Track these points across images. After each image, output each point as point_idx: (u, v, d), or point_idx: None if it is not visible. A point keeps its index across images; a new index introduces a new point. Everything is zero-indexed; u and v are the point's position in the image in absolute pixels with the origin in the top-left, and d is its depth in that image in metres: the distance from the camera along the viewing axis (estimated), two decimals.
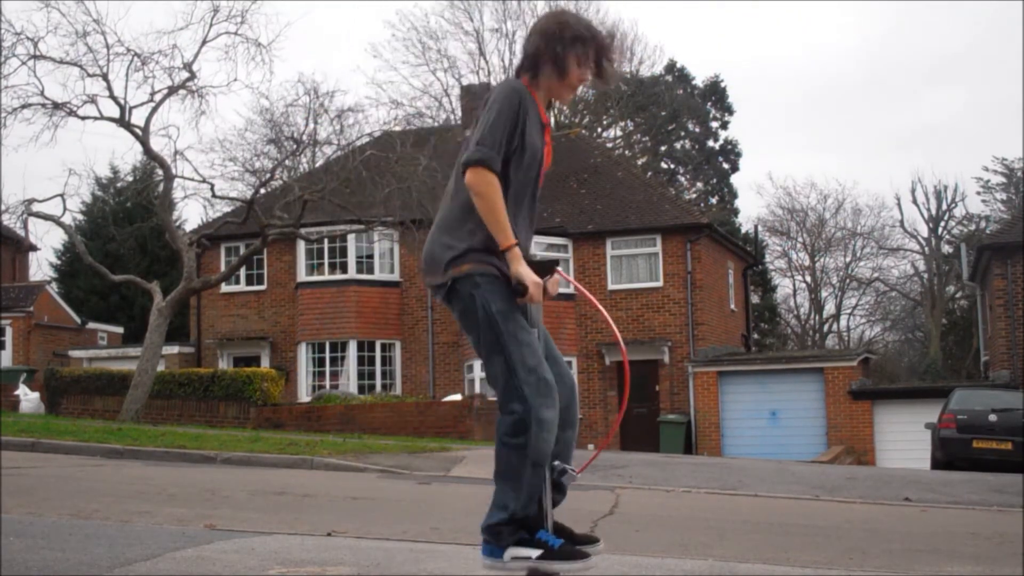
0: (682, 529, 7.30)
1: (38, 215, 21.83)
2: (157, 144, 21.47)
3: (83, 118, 20.55)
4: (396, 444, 14.91)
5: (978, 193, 50.30)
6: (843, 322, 53.38)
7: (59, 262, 41.30)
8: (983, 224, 47.88)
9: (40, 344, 32.31)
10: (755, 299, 42.01)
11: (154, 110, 20.70)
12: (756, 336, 40.09)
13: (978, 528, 8.10)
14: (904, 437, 24.53)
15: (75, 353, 30.82)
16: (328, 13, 68.16)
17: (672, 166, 50.67)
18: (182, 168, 40.47)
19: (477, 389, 25.68)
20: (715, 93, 51.24)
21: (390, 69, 69.44)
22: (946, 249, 49.25)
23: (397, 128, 24.87)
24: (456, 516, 7.19)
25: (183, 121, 71.20)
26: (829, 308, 52.84)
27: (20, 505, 6.72)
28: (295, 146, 23.54)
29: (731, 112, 51.46)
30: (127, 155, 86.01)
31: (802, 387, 26.64)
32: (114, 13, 65.27)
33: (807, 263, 51.66)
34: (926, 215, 49.61)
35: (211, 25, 20.84)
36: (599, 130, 47.64)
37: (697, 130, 50.74)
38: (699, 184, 51.47)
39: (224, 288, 29.52)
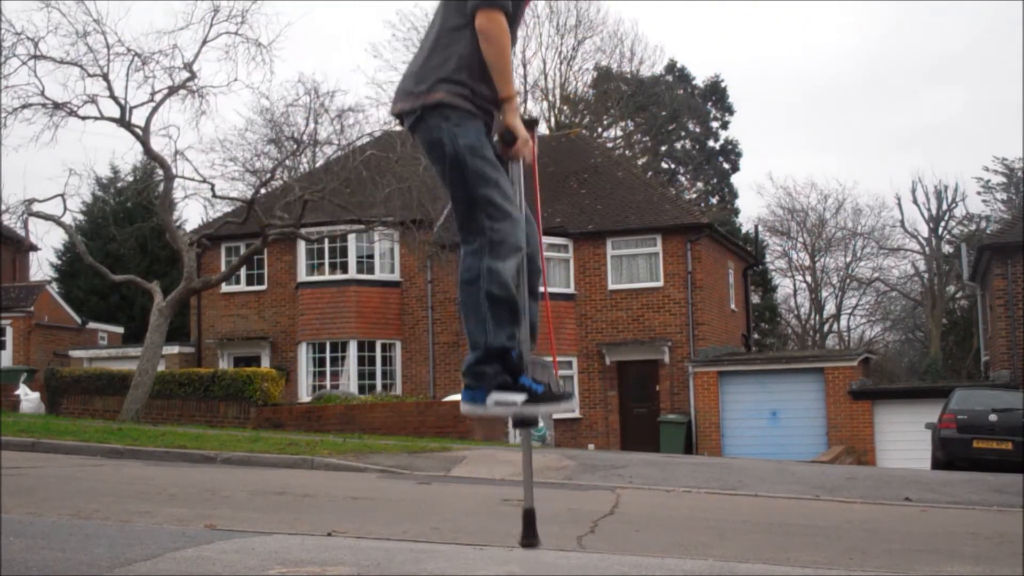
0: (682, 529, 7.30)
1: (38, 215, 21.84)
2: (157, 144, 21.50)
3: (83, 118, 20.56)
4: (396, 444, 14.91)
5: (978, 193, 50.37)
6: (843, 322, 53.46)
7: (59, 262, 41.33)
8: (983, 224, 47.91)
9: (40, 344, 32.32)
10: (755, 299, 42.02)
11: (154, 110, 20.71)
12: (756, 336, 40.09)
13: (978, 528, 8.10)
14: (904, 437, 24.53)
15: (75, 353, 30.84)
16: (328, 13, 68.26)
17: (672, 166, 50.68)
18: (182, 168, 40.53)
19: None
20: (715, 93, 51.26)
21: (390, 69, 69.02)
22: (946, 249, 49.26)
23: (397, 128, 24.82)
24: (456, 516, 7.20)
25: (183, 121, 71.15)
26: (829, 308, 52.93)
27: (20, 505, 6.72)
28: (295, 146, 23.55)
29: (731, 112, 51.53)
30: (127, 155, 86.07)
31: (802, 387, 26.64)
32: (114, 13, 65.31)
33: (807, 263, 51.71)
34: (926, 215, 49.69)
35: (211, 25, 20.87)
36: (599, 130, 47.65)
37: (697, 130, 50.76)
38: (699, 184, 51.48)
39: (224, 288, 29.54)
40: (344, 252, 28.57)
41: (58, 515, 6.22)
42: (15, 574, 3.94)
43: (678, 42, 76.95)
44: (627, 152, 47.18)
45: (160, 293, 20.67)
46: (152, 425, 18.04)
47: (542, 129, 44.02)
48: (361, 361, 28.38)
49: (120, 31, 67.39)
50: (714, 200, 50.52)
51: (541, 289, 3.73)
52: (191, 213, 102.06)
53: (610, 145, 45.69)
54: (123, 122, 20.51)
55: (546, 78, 45.22)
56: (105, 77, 20.32)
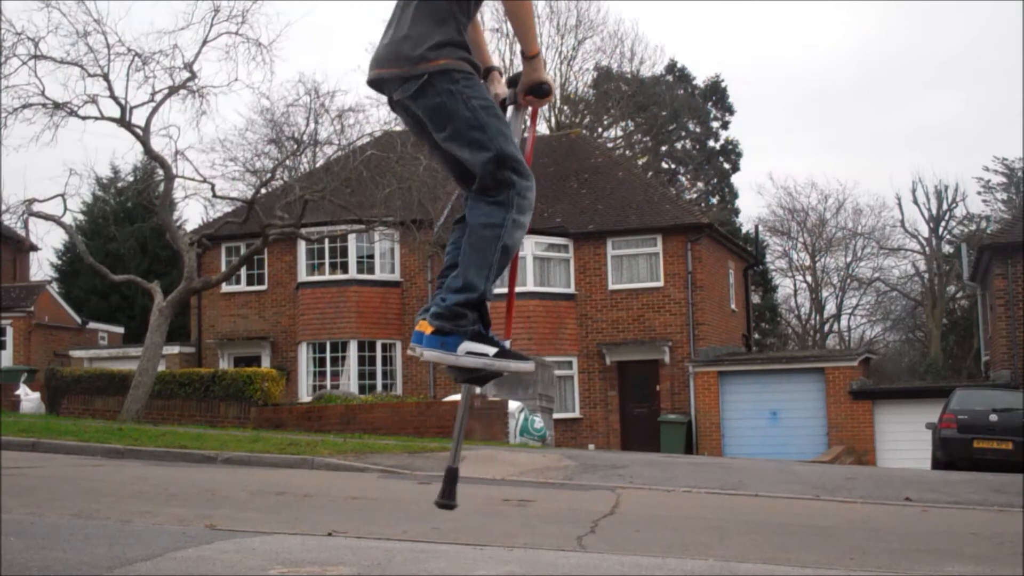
0: (682, 529, 7.31)
1: (39, 215, 21.84)
2: (158, 144, 21.51)
3: (84, 118, 20.56)
4: (397, 444, 14.91)
5: (979, 193, 50.39)
6: (844, 322, 53.45)
7: (60, 262, 41.32)
8: (984, 224, 47.91)
9: (41, 344, 32.32)
10: (756, 299, 42.02)
11: (155, 110, 20.71)
12: (757, 336, 40.09)
13: (978, 528, 8.10)
14: (905, 437, 24.54)
15: (76, 353, 30.85)
16: (328, 13, 68.20)
17: (673, 166, 50.67)
18: (183, 168, 40.47)
19: (477, 390, 25.68)
20: (716, 93, 51.25)
21: None
22: (947, 249, 49.27)
23: (398, 128, 24.83)
24: (456, 516, 7.19)
25: (184, 121, 71.08)
26: (830, 308, 52.92)
27: (21, 505, 6.72)
28: (296, 146, 23.54)
29: (732, 112, 51.51)
30: (128, 155, 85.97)
31: (803, 387, 26.65)
32: (115, 13, 65.30)
33: (808, 263, 51.70)
34: (927, 215, 49.69)
35: (212, 25, 20.86)
36: (600, 130, 47.65)
37: (698, 130, 50.75)
38: (700, 184, 51.47)
39: (225, 288, 29.55)
40: (344, 252, 28.57)
41: (58, 515, 6.23)
42: (15, 574, 3.94)
43: (678, 42, 77.02)
44: (627, 152, 47.18)
45: (160, 293, 20.67)
46: (152, 425, 18.04)
47: (542, 129, 44.08)
48: (361, 361, 28.38)
49: (120, 31, 67.39)
50: (714, 200, 50.51)
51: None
52: (191, 213, 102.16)
53: (610, 145, 45.69)
54: (123, 122, 20.51)
55: None
56: (105, 77, 20.34)
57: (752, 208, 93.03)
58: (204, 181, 22.34)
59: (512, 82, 3.60)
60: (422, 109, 3.45)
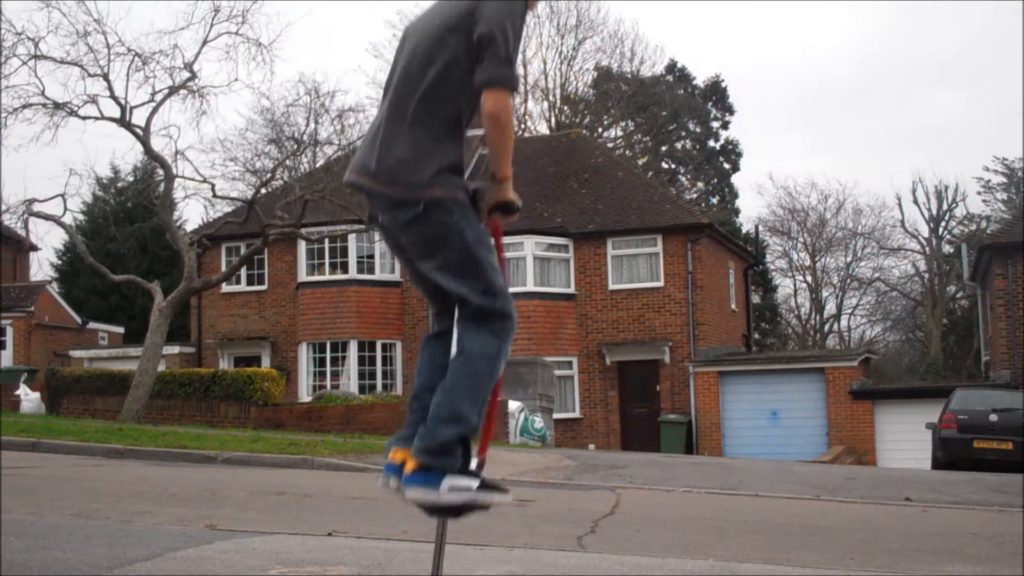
0: (682, 529, 7.30)
1: (39, 215, 21.83)
2: (158, 144, 21.49)
3: (84, 118, 20.56)
4: None
5: (979, 193, 50.40)
6: (844, 322, 53.46)
7: (60, 262, 41.32)
8: (984, 224, 47.92)
9: (41, 344, 32.32)
10: (756, 299, 42.02)
11: (155, 110, 20.71)
12: (757, 336, 40.09)
13: (979, 528, 8.09)
14: (905, 437, 24.53)
15: (76, 353, 30.85)
16: (328, 13, 68.21)
17: (673, 166, 50.67)
18: (183, 168, 40.43)
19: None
20: (716, 93, 51.25)
21: None
22: (947, 249, 49.27)
23: None
24: None
25: (184, 121, 70.99)
26: (830, 308, 52.94)
27: (21, 505, 6.72)
28: (296, 146, 23.54)
29: (732, 112, 51.52)
30: (128, 155, 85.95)
31: (803, 387, 26.65)
32: (115, 13, 65.28)
33: (808, 263, 51.71)
34: (927, 215, 49.71)
35: (212, 25, 20.85)
36: (600, 130, 47.65)
37: (698, 130, 50.75)
38: (700, 184, 51.48)
39: (225, 288, 29.55)
40: (344, 252, 28.57)
41: (58, 515, 6.23)
42: (15, 574, 3.94)
43: (678, 42, 77.03)
44: (627, 152, 47.18)
45: (160, 293, 20.67)
46: (152, 425, 18.04)
47: (543, 129, 44.09)
48: (361, 361, 28.38)
49: (120, 31, 67.36)
50: (714, 200, 50.51)
51: None
52: (191, 213, 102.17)
53: (610, 145, 45.69)
54: (123, 122, 20.50)
55: (546, 78, 45.28)
56: (105, 77, 20.34)
57: (752, 208, 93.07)
58: (204, 181, 22.36)
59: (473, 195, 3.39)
60: (411, 235, 3.30)
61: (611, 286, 28.12)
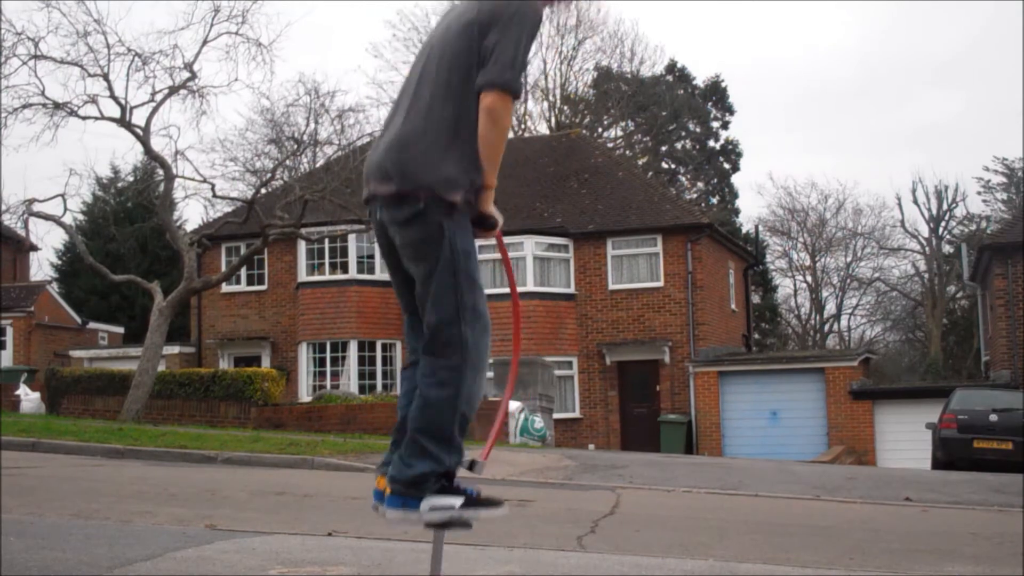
0: (682, 529, 7.30)
1: (39, 215, 21.83)
2: (158, 144, 21.49)
3: (84, 118, 20.55)
4: None
5: (979, 193, 50.42)
6: (844, 322, 53.48)
7: (60, 262, 41.32)
8: (984, 224, 47.94)
9: (41, 344, 32.32)
10: (756, 299, 42.02)
11: (155, 110, 20.71)
12: (757, 336, 40.09)
13: (978, 528, 8.09)
14: (905, 437, 24.53)
15: (76, 353, 30.84)
16: (328, 13, 68.23)
17: (673, 166, 50.68)
18: (183, 168, 40.46)
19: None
20: (716, 93, 51.26)
21: (391, 69, 69.00)
22: (947, 249, 49.28)
23: None
24: None
25: (184, 121, 71.01)
26: (830, 308, 52.95)
27: (20, 505, 6.72)
28: (296, 146, 23.54)
29: (732, 112, 51.52)
30: (128, 155, 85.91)
31: (803, 387, 26.64)
32: (115, 13, 65.26)
33: (808, 263, 51.72)
34: (927, 215, 49.71)
35: (212, 25, 20.85)
36: (600, 130, 47.65)
37: (698, 130, 50.76)
38: (700, 184, 51.48)
39: (225, 288, 29.55)
40: (344, 252, 28.56)
41: (58, 515, 6.23)
42: (15, 574, 3.94)
43: (678, 42, 77.03)
44: (627, 152, 47.18)
45: (160, 293, 20.67)
46: (152, 425, 18.04)
47: (543, 129, 44.09)
48: (362, 361, 28.37)
49: (120, 31, 67.41)
50: (714, 200, 50.52)
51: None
52: (191, 213, 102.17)
53: (610, 145, 45.69)
54: (123, 122, 20.50)
55: (546, 78, 45.27)
56: (105, 77, 20.33)
57: (752, 208, 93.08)
58: (204, 181, 22.36)
59: None
60: (406, 236, 3.29)
61: (611, 286, 28.12)
